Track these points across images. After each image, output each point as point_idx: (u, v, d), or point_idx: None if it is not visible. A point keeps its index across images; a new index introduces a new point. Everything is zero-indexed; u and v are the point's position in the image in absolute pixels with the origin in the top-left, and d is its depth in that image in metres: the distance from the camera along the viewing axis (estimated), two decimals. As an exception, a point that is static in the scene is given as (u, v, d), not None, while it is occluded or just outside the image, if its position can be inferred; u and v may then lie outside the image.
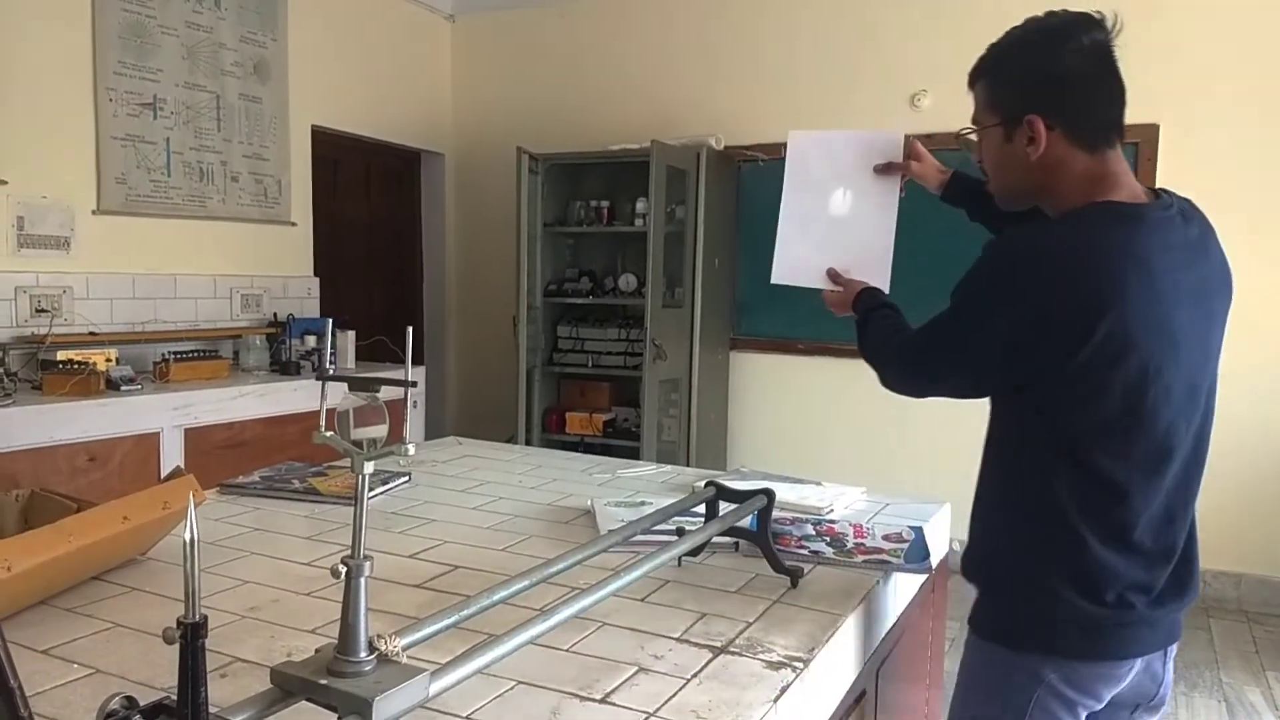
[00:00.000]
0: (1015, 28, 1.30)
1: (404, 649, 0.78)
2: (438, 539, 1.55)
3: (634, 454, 4.29)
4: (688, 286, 4.42)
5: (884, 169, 1.64)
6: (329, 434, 0.76)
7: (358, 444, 0.75)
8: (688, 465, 4.42)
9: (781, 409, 4.76)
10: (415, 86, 5.20)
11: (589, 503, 1.76)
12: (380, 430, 0.78)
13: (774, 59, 4.64)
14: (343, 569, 0.73)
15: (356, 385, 0.78)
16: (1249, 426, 3.85)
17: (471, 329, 5.48)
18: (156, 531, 1.40)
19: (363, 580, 0.74)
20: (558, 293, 4.71)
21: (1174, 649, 1.31)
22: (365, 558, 0.74)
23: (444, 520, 1.67)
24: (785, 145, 1.73)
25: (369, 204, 5.22)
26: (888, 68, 4.39)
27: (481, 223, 5.33)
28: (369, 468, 0.73)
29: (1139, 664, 1.25)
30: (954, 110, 4.60)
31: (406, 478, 1.92)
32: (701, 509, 1.48)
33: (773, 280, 1.68)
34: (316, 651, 0.77)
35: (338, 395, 0.85)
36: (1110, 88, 1.27)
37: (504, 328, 4.71)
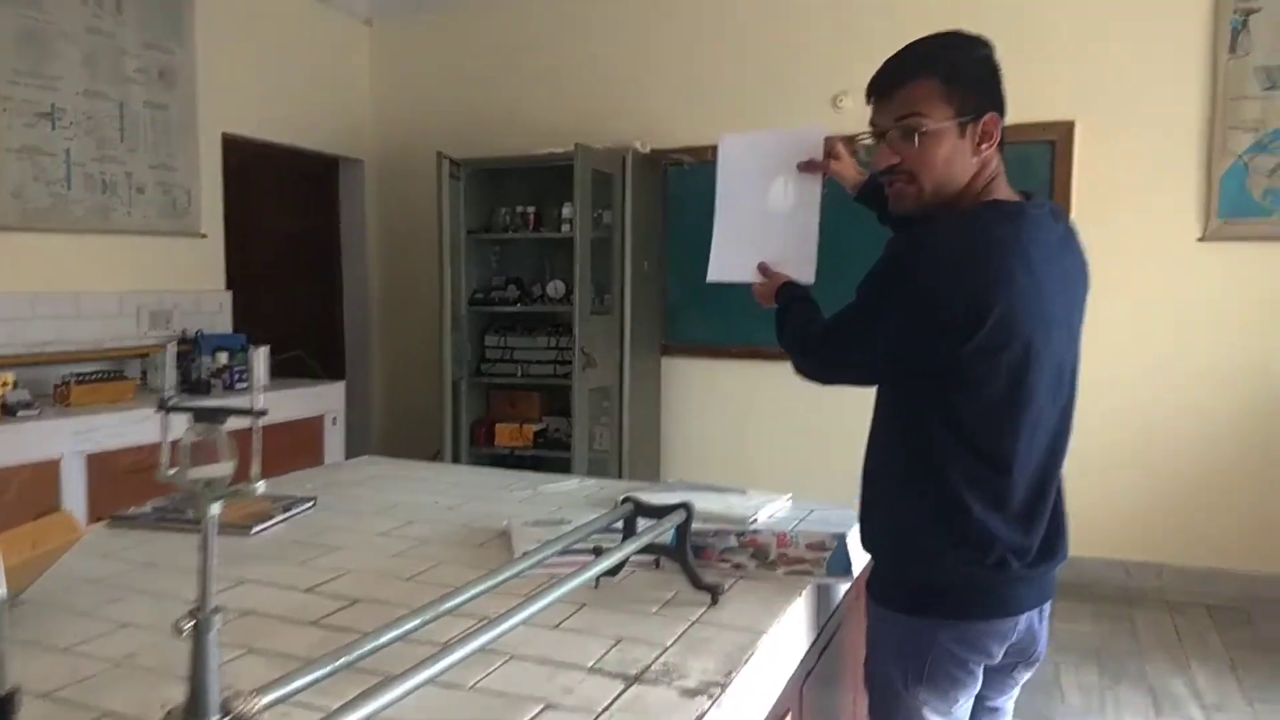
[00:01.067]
0: (934, 36, 1.39)
1: (269, 705, 0.71)
2: (339, 569, 1.46)
3: (566, 465, 4.22)
4: (616, 292, 4.36)
5: (806, 166, 1.69)
6: (172, 471, 0.68)
7: (200, 483, 0.67)
8: (620, 475, 4.36)
9: (715, 414, 4.73)
10: (332, 92, 5.06)
11: (505, 523, 1.68)
12: (224, 468, 0.70)
13: (698, 62, 4.62)
14: (186, 625, 0.65)
15: (202, 416, 0.70)
16: (1167, 417, 3.94)
17: (396, 340, 5.35)
18: (27, 574, 1.29)
19: (212, 635, 0.66)
20: (484, 301, 4.62)
21: (1048, 607, 1.44)
22: (214, 610, 0.66)
23: (348, 548, 1.58)
24: (713, 149, 1.79)
25: (286, 213, 5.06)
26: (810, 69, 4.40)
27: (404, 231, 5.20)
28: (215, 509, 0.65)
29: (1022, 621, 1.38)
30: (868, 111, 4.56)
31: (311, 503, 1.82)
32: (622, 525, 1.42)
33: (709, 279, 1.74)
34: (166, 714, 0.69)
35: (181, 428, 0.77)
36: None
37: (430, 339, 4.59)
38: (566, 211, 4.41)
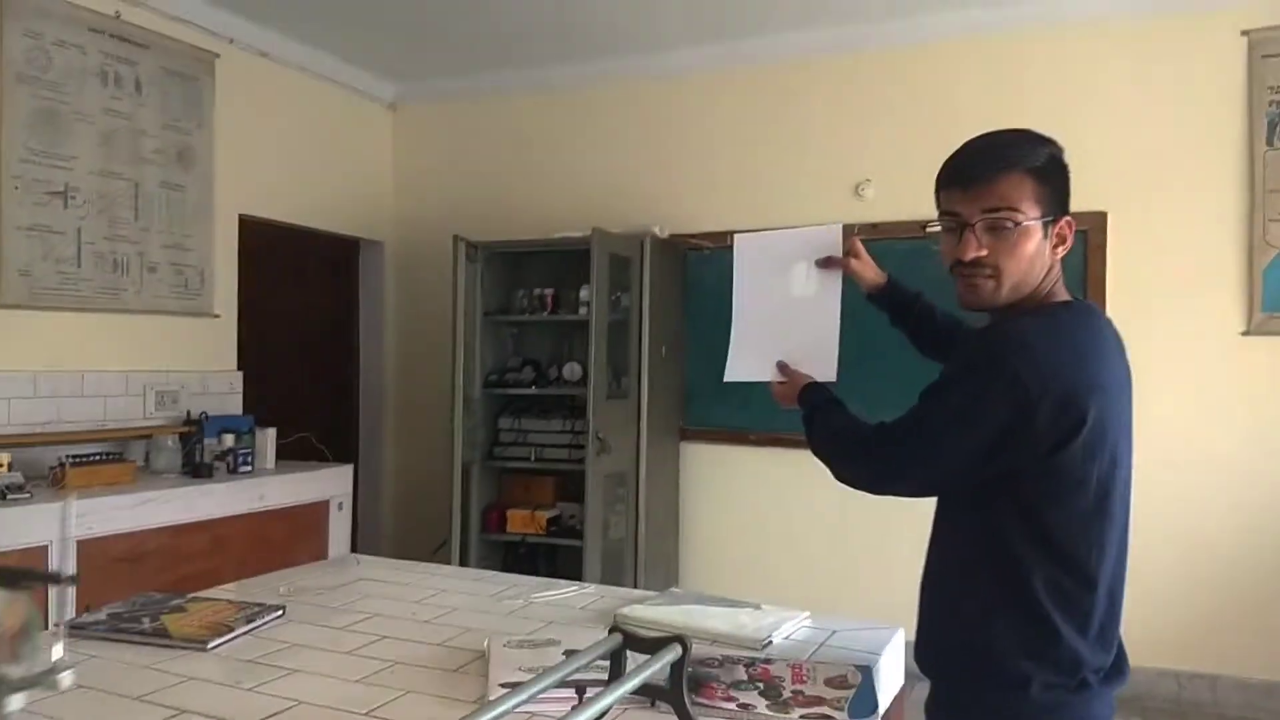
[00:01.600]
0: (1019, 131, 1.37)
1: None
2: (290, 699, 1.29)
3: (578, 555, 4.04)
4: (634, 375, 4.23)
5: (825, 263, 1.68)
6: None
7: None
8: (636, 564, 4.16)
9: (734, 501, 4.53)
10: (354, 175, 5.06)
11: (486, 643, 1.51)
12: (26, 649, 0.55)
13: (718, 148, 4.56)
14: None
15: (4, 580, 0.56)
16: (1216, 519, 3.70)
17: (411, 422, 5.23)
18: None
19: None
20: (499, 383, 4.50)
21: None
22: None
23: (307, 671, 1.42)
24: (731, 235, 1.81)
25: (303, 294, 5.00)
26: (832, 157, 4.32)
27: (422, 313, 5.12)
28: (16, 703, 0.51)
29: None
30: (898, 199, 4.51)
31: (279, 612, 1.66)
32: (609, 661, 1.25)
33: (726, 378, 1.74)
34: None
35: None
36: None
37: (444, 422, 4.47)
38: (584, 294, 4.31)
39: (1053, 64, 3.95)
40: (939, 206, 1.39)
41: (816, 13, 4.11)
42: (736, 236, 1.80)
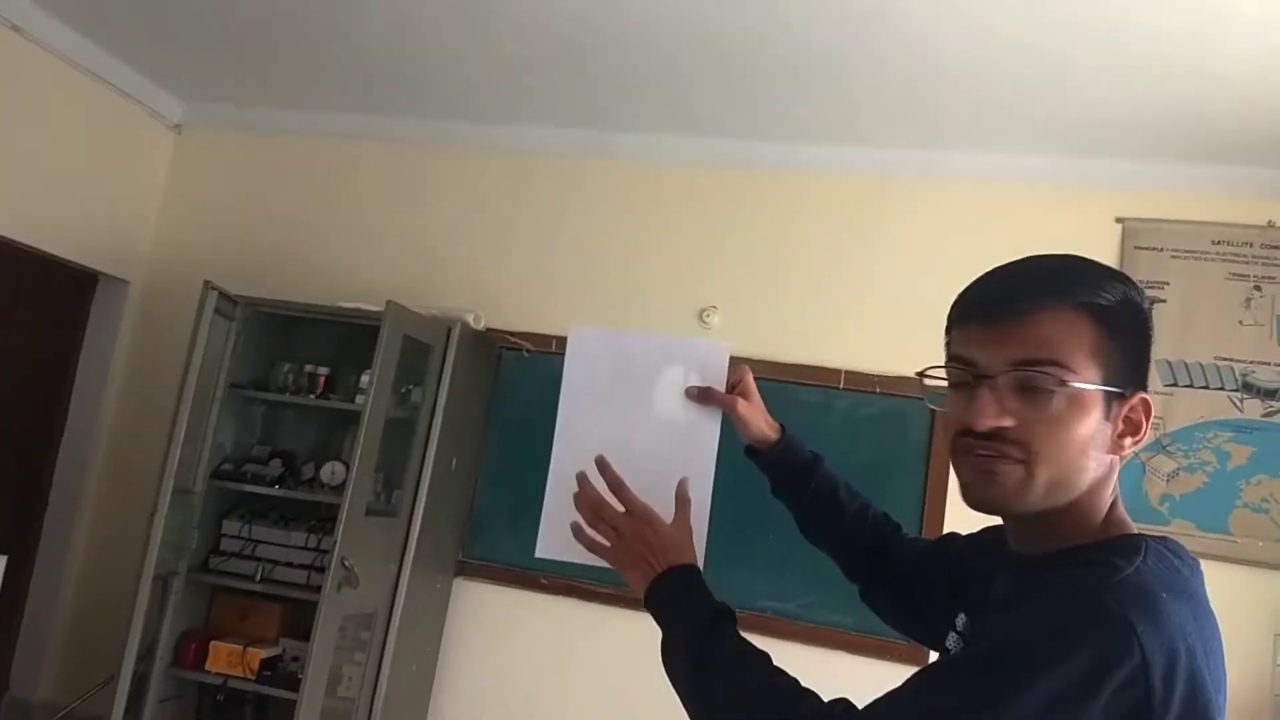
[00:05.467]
0: (1077, 257, 0.94)
1: None
2: None
3: (290, 710, 3.06)
4: (409, 489, 3.41)
5: (701, 396, 1.23)
6: None
7: None
8: (367, 735, 3.22)
9: (511, 662, 3.69)
10: (113, 197, 4.13)
11: None
12: None
13: (556, 242, 3.97)
14: None
15: None
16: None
17: (116, 512, 4.09)
18: None
19: None
20: (234, 475, 3.54)
21: None
22: None
23: None
24: (560, 340, 1.12)
25: (7, 330, 3.92)
26: (676, 278, 3.81)
27: (161, 375, 4.10)
28: None
29: None
30: (744, 330, 3.84)
31: None
32: None
33: (538, 554, 1.20)
34: None
35: None
36: None
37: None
38: (365, 380, 3.50)
39: (929, 214, 3.64)
40: (948, 349, 0.97)
41: (683, 118, 3.68)
42: (574, 328, 1.26)
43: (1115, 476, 0.93)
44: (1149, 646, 0.76)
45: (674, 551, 1.05)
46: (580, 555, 1.11)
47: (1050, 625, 0.78)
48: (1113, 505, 0.92)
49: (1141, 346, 0.92)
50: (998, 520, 0.99)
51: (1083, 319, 0.88)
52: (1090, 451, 0.88)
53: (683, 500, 1.12)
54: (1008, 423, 0.88)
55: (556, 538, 1.11)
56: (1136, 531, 0.91)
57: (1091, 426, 0.88)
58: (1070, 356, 0.87)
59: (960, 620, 1.04)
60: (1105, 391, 0.88)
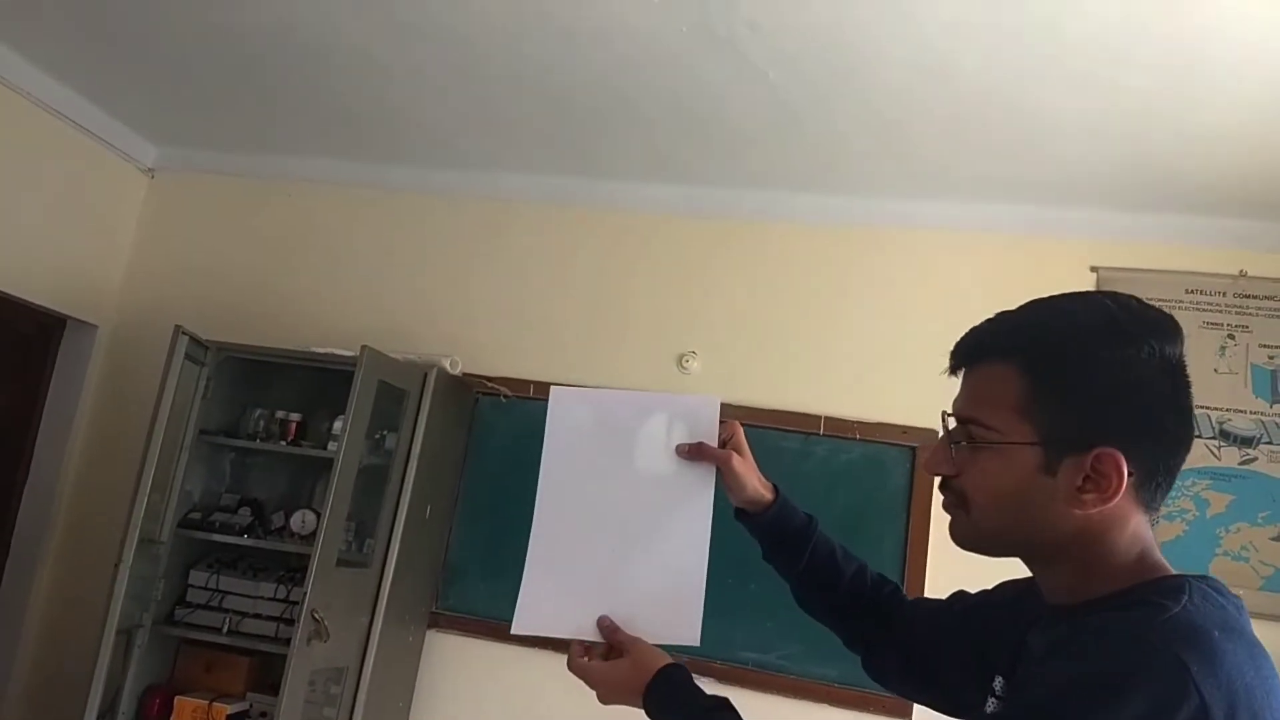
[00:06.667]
0: (1048, 300, 0.93)
1: None
2: None
3: (257, 774, 2.96)
4: (382, 538, 3.33)
5: (693, 452, 1.17)
6: None
7: None
8: (336, 795, 3.11)
9: (484, 717, 3.60)
10: (84, 240, 4.07)
11: None
12: None
13: (531, 288, 3.94)
14: None
15: None
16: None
17: (81, 563, 3.99)
18: None
19: None
20: (201, 524, 3.45)
21: None
22: None
23: None
24: (534, 386, 1.19)
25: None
26: (656, 323, 3.78)
27: (129, 422, 4.01)
28: None
29: None
30: (723, 376, 3.81)
31: None
32: None
33: (514, 630, 1.17)
34: None
35: None
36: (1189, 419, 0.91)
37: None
38: (338, 427, 3.44)
39: (907, 262, 3.65)
40: None
41: (662, 166, 3.69)
42: (555, 390, 1.22)
43: (1132, 526, 0.89)
44: (1205, 687, 0.72)
45: (653, 657, 1.06)
46: (560, 631, 1.08)
47: (1099, 670, 0.75)
48: (1143, 552, 0.90)
49: (1110, 400, 0.87)
50: (1001, 573, 0.99)
51: (1013, 375, 0.89)
52: (1038, 502, 0.87)
53: (609, 631, 1.12)
54: (946, 471, 0.93)
55: (536, 612, 1.07)
56: (1177, 573, 0.89)
57: (1020, 480, 0.88)
58: (992, 413, 0.89)
59: (998, 683, 0.99)
60: (1033, 446, 0.87)
